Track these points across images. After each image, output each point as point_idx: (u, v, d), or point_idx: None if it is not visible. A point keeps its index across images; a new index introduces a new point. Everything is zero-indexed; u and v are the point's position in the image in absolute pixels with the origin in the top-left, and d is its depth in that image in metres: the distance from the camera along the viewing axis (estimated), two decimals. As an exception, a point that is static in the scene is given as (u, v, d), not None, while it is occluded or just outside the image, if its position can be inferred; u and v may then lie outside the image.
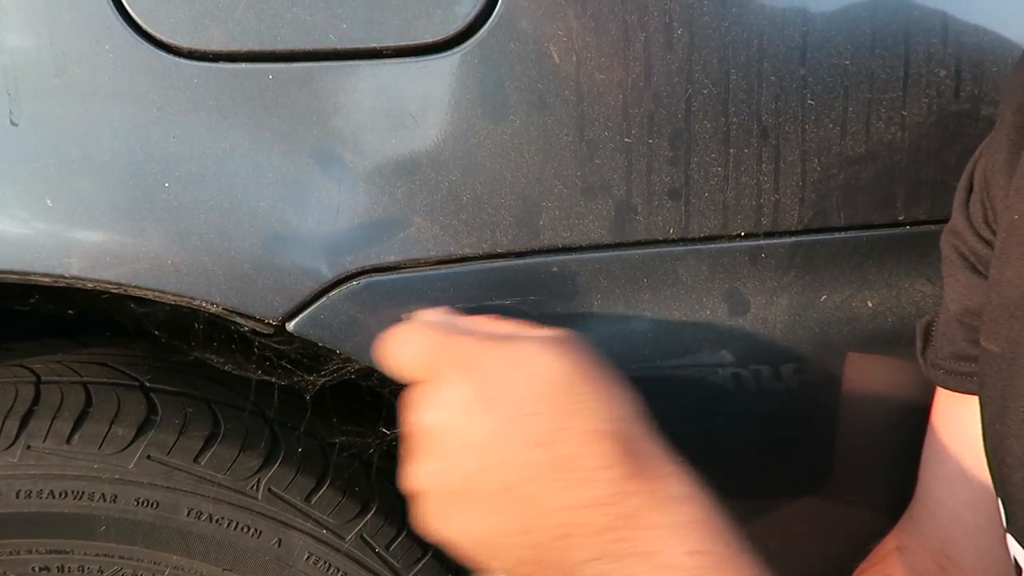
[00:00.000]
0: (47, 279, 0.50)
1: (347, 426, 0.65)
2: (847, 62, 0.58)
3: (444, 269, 0.55)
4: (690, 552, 0.43)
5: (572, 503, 0.44)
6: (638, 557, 0.43)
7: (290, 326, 0.53)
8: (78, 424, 0.59)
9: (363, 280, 0.54)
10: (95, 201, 0.50)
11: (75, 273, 0.50)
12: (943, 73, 0.59)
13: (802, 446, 0.64)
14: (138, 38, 0.50)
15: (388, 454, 0.66)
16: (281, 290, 0.52)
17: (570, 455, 0.45)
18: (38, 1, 0.49)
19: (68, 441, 0.59)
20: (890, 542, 0.60)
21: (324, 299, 0.53)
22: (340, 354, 0.55)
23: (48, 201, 0.49)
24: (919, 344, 0.59)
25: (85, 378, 0.63)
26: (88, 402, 0.61)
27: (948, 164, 0.60)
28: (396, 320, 0.54)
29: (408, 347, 0.50)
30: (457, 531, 0.47)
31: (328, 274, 0.53)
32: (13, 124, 0.49)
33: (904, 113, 0.59)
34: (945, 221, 0.59)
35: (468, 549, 0.47)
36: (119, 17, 0.49)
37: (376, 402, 0.66)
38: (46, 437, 0.59)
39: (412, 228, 0.54)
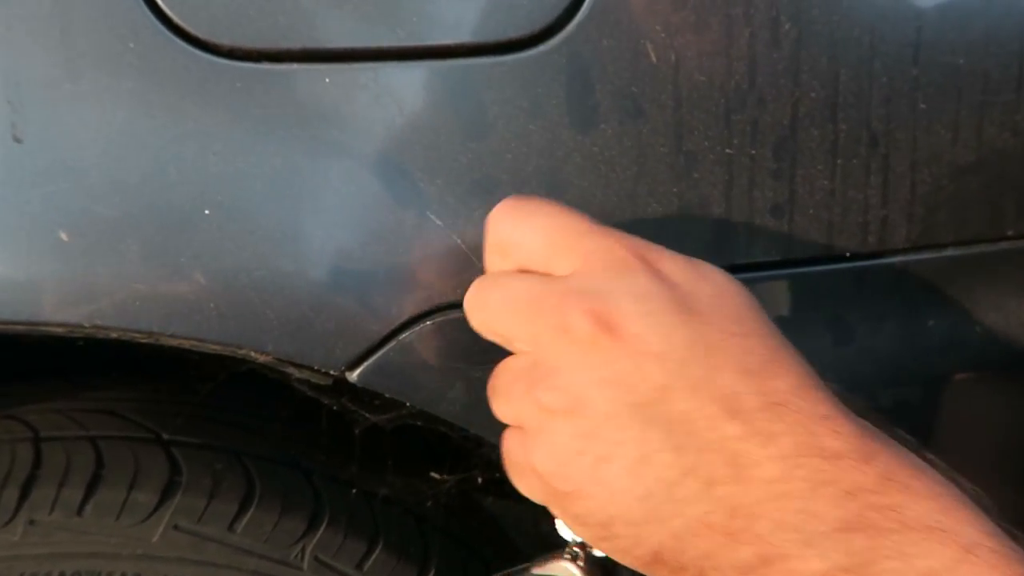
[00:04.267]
0: (61, 329, 0.40)
1: (397, 476, 0.56)
2: (961, 61, 0.50)
3: (529, 303, 0.45)
4: (989, 534, 0.32)
5: (795, 450, 0.33)
6: (915, 535, 0.32)
7: (353, 376, 0.44)
8: (90, 491, 0.49)
9: (438, 319, 0.44)
10: (120, 233, 0.40)
11: (97, 322, 0.39)
12: (1057, 73, 0.52)
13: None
14: (170, 35, 0.39)
15: (444, 506, 0.57)
16: (343, 334, 0.43)
17: (785, 391, 0.35)
18: (44, -10, 0.39)
19: (79, 512, 0.48)
20: None
21: (393, 343, 0.44)
22: (409, 405, 0.46)
23: (62, 235, 0.39)
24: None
25: (93, 432, 0.52)
26: (99, 463, 0.50)
27: (1059, 172, 0.53)
28: (475, 364, 0.45)
29: (548, 220, 0.38)
30: (594, 471, 0.35)
31: (398, 313, 0.43)
32: (17, 140, 0.38)
33: (1016, 118, 0.52)
34: (1054, 234, 0.52)
35: (597, 501, 0.35)
36: (146, 10, 0.39)
37: (431, 448, 0.56)
38: (53, 508, 0.48)
39: (492, 256, 0.45)
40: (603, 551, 0.38)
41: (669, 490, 0.34)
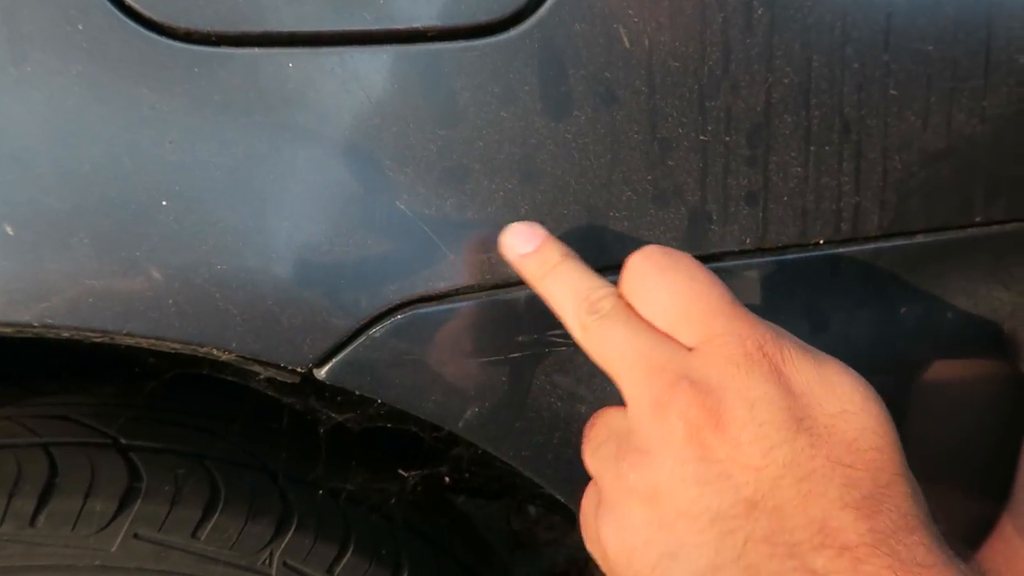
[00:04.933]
0: (8, 329, 0.37)
1: (364, 475, 0.54)
2: (930, 47, 0.50)
3: (504, 294, 0.44)
4: None
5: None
6: None
7: (321, 373, 0.42)
8: (43, 500, 0.46)
9: (408, 313, 0.42)
10: (71, 227, 0.37)
11: (47, 321, 0.37)
12: (1023, 60, 0.52)
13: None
14: (122, 17, 0.37)
15: (414, 506, 0.55)
16: (310, 330, 0.41)
17: (883, 532, 0.33)
18: (-17, -32, 0.36)
19: (32, 523, 0.45)
20: (1007, 528, 0.53)
21: (363, 338, 0.42)
22: (380, 402, 0.44)
23: (8, 229, 0.36)
24: (1013, 351, 0.52)
25: (46, 439, 0.49)
26: (53, 471, 0.47)
27: (1026, 158, 0.53)
28: (448, 359, 0.43)
29: (687, 282, 0.36)
30: (657, 566, 0.34)
31: (367, 308, 0.41)
32: (-44, 128, 0.36)
33: (984, 104, 0.51)
34: (1022, 220, 0.52)
35: None
36: (95, -11, 0.37)
37: (399, 447, 0.55)
38: (3, 520, 0.45)
39: (464, 247, 0.43)
40: None
41: None
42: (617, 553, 0.35)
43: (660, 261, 0.38)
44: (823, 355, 0.37)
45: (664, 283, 0.37)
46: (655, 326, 0.37)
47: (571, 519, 0.45)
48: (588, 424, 0.39)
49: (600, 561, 0.37)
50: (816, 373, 0.36)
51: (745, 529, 0.33)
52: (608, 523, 0.35)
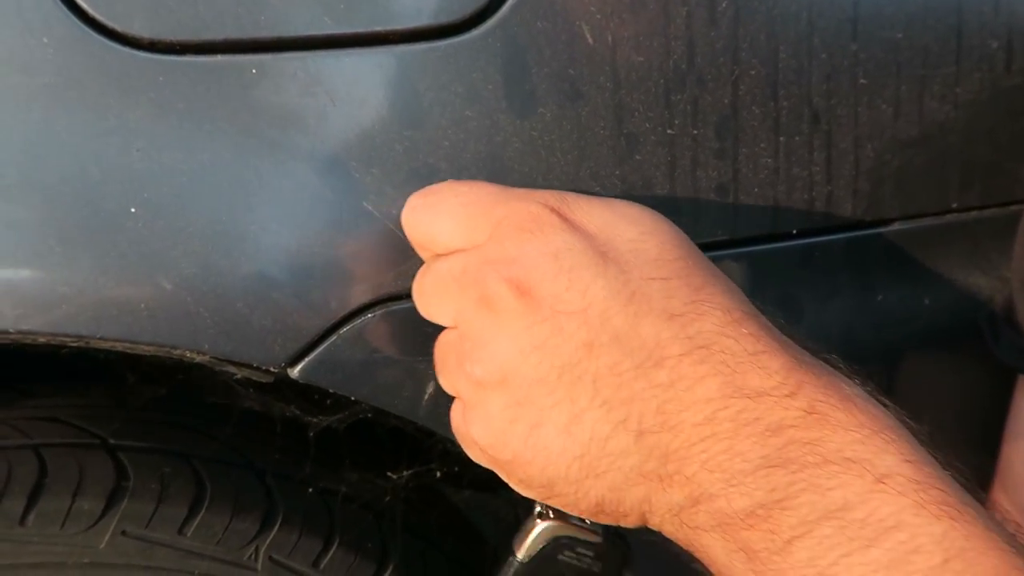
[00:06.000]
0: (-16, 336, 0.38)
1: (352, 472, 0.54)
2: (899, 35, 0.49)
3: (473, 292, 0.44)
4: (908, 462, 0.31)
5: (720, 392, 0.33)
6: (832, 468, 0.31)
7: (294, 372, 0.42)
8: (32, 500, 0.47)
9: (378, 311, 0.43)
10: (41, 235, 0.38)
11: (21, 327, 0.37)
12: (995, 45, 0.51)
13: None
14: (85, 27, 0.38)
15: (402, 500, 0.55)
16: (282, 331, 0.41)
17: (711, 332, 0.34)
18: (-50, -16, 0.37)
19: (22, 523, 0.46)
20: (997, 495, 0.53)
21: (334, 337, 0.42)
22: (354, 400, 0.44)
23: (-21, 238, 0.37)
24: (989, 335, 0.52)
25: (36, 440, 0.50)
26: (43, 471, 0.48)
27: (1000, 144, 0.53)
28: (421, 356, 0.43)
29: (455, 200, 0.38)
30: (528, 437, 0.35)
31: (337, 307, 0.42)
32: (-75, 142, 0.36)
33: (957, 90, 0.51)
34: (998, 206, 0.52)
35: (535, 466, 0.35)
36: (59, 3, 0.37)
37: (389, 441, 0.55)
38: (-7, 519, 0.46)
39: (433, 246, 0.43)
40: (553, 505, 0.38)
41: (603, 445, 0.34)
42: (492, 445, 0.36)
43: (424, 200, 0.39)
44: (606, 198, 0.39)
45: (439, 213, 0.38)
46: (457, 250, 0.38)
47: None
48: (434, 355, 0.40)
49: (490, 465, 0.38)
50: (605, 209, 0.37)
51: (591, 370, 0.34)
52: (474, 423, 0.36)
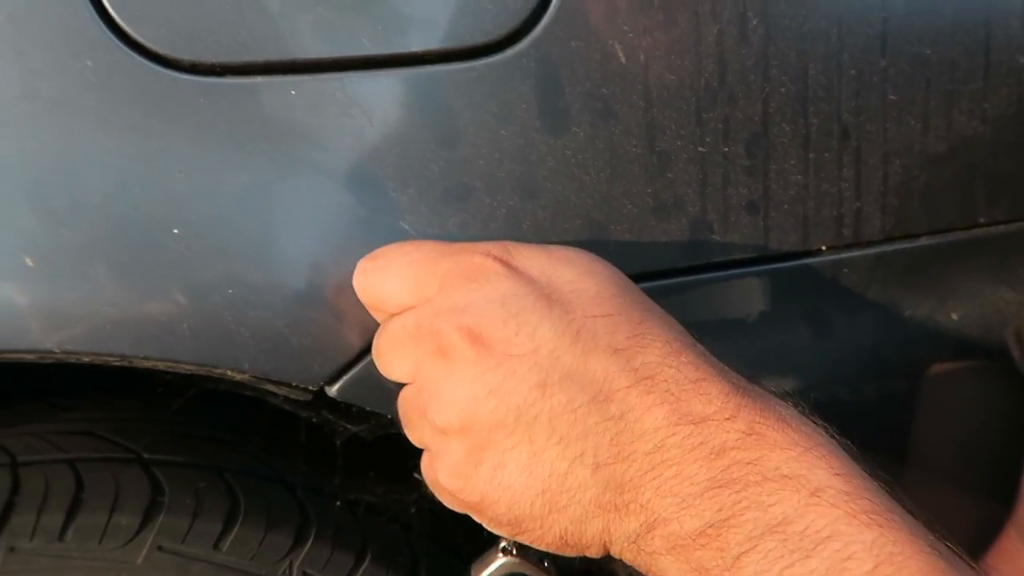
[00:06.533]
0: (31, 356, 0.38)
1: (381, 485, 0.55)
2: (928, 51, 0.49)
3: (507, 310, 0.44)
4: (838, 475, 0.33)
5: (667, 420, 0.34)
6: (772, 485, 0.33)
7: (332, 391, 0.42)
8: (71, 515, 0.47)
9: (415, 329, 0.43)
10: (87, 256, 0.38)
11: (68, 348, 0.38)
12: (1023, 60, 0.51)
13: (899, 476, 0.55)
14: (128, 50, 0.38)
15: (430, 513, 0.55)
16: (320, 349, 0.41)
17: (654, 363, 0.36)
18: (-3, 9, 0.37)
19: (61, 538, 0.47)
20: (1011, 531, 0.53)
21: (370, 356, 0.42)
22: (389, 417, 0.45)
23: (28, 260, 0.37)
24: (1017, 351, 0.51)
25: (72, 455, 0.50)
26: (79, 486, 0.48)
27: (1028, 158, 0.53)
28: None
29: (402, 260, 0.39)
30: (492, 479, 0.36)
31: (375, 326, 0.42)
32: (-27, 165, 0.37)
33: (985, 105, 0.51)
34: (1024, 219, 0.52)
35: (502, 505, 0.37)
36: (102, 24, 0.38)
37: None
38: (33, 535, 0.46)
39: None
40: (522, 541, 0.39)
41: (562, 481, 0.36)
42: (461, 489, 0.37)
43: (372, 264, 0.40)
44: (543, 244, 0.40)
45: (388, 274, 0.39)
46: (408, 307, 0.39)
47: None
48: (398, 412, 0.41)
49: (462, 508, 0.39)
50: (542, 254, 0.39)
51: (546, 409, 0.35)
52: (441, 470, 0.38)
